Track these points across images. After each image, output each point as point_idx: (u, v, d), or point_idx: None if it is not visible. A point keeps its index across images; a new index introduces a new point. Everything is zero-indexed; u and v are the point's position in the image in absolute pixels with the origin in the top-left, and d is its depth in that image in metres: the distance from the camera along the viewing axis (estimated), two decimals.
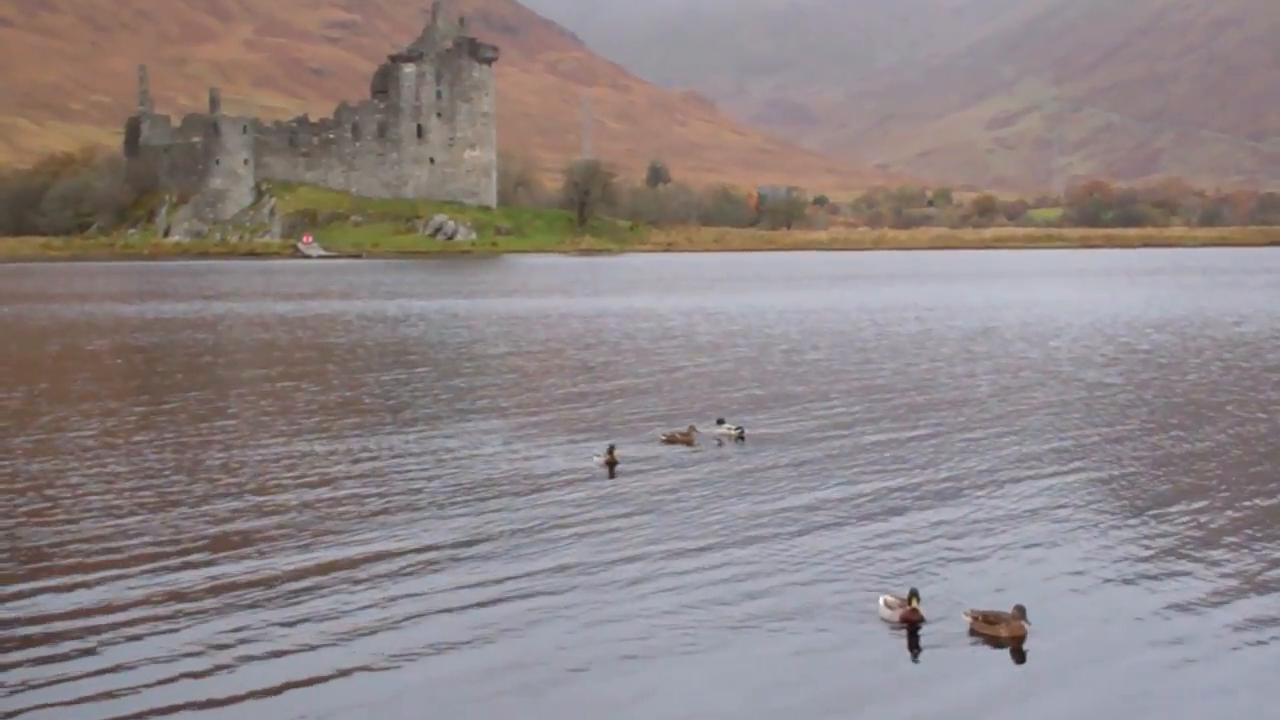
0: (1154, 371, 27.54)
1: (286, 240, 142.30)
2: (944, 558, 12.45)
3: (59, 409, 23.48)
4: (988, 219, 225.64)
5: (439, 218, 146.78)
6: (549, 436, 19.74)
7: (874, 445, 18.62)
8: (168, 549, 13.08)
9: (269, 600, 11.30)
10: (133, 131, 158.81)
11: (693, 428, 19.33)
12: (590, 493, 15.57)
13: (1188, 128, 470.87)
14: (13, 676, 9.48)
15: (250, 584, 11.79)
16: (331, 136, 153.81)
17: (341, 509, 14.83)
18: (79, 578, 12.02)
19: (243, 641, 10.22)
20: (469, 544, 13.14)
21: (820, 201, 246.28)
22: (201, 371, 30.33)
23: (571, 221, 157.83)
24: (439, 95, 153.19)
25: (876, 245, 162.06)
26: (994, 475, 16.36)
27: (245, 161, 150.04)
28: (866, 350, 32.71)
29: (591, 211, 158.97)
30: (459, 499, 15.29)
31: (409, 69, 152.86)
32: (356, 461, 17.83)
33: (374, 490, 15.85)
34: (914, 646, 10.04)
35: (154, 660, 9.81)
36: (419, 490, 15.82)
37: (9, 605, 11.22)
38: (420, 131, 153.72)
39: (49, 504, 15.18)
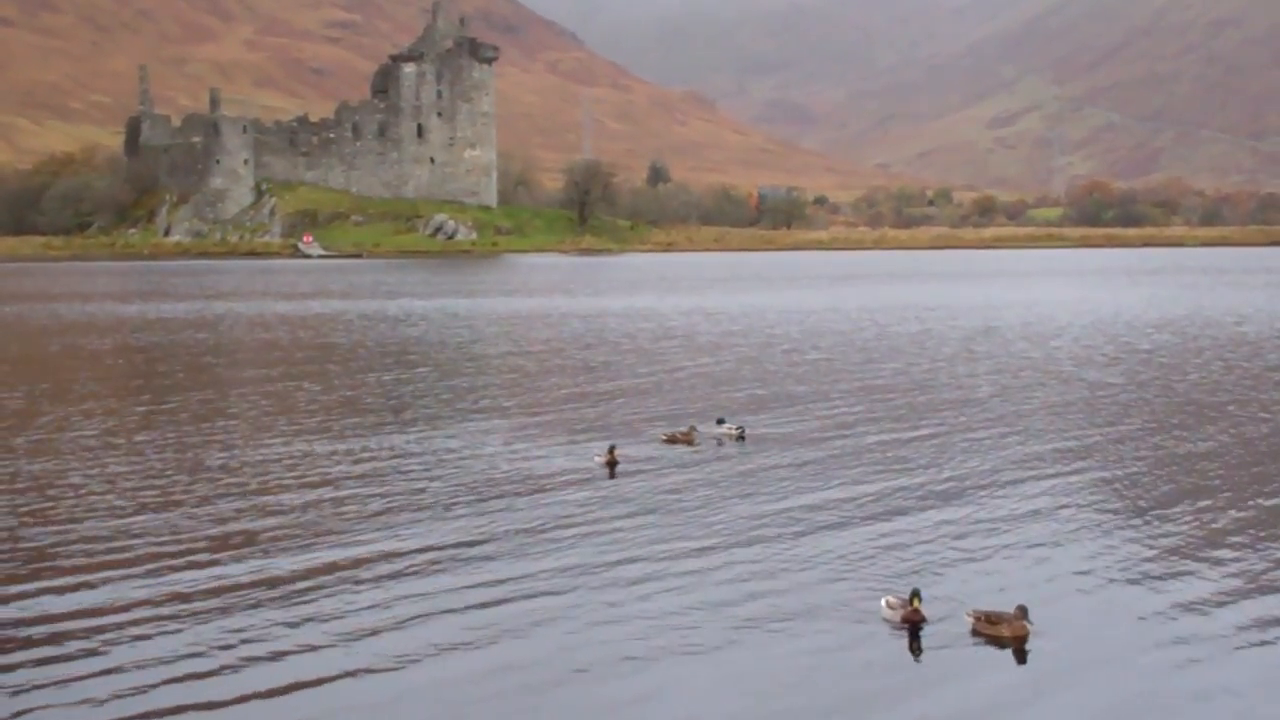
0: (1155, 371, 27.53)
1: (287, 240, 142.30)
2: (946, 558, 12.45)
3: (60, 409, 23.48)
4: (988, 219, 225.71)
5: (439, 217, 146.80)
6: (550, 436, 19.74)
7: (875, 445, 18.62)
8: (169, 549, 13.07)
9: (271, 600, 11.30)
10: (133, 131, 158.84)
11: (693, 427, 19.34)
12: (591, 493, 15.56)
13: (1188, 128, 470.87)
14: (14, 677, 9.48)
15: (252, 584, 11.79)
16: (332, 136, 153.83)
17: (343, 509, 14.82)
18: (81, 578, 12.02)
19: (245, 642, 10.21)
20: (470, 544, 13.13)
21: (820, 201, 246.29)
22: (203, 371, 30.33)
23: (572, 221, 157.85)
24: (439, 95, 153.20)
25: (877, 245, 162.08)
26: (995, 475, 16.36)
27: (245, 161, 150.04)
28: (867, 350, 32.70)
29: (592, 211, 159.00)
30: (460, 499, 15.28)
31: (409, 69, 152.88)
32: (358, 461, 17.83)
33: (375, 491, 15.84)
34: (916, 647, 10.03)
35: (156, 661, 9.80)
36: (420, 490, 15.82)
37: (11, 605, 11.21)
38: (420, 131, 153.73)
39: (50, 504, 15.18)
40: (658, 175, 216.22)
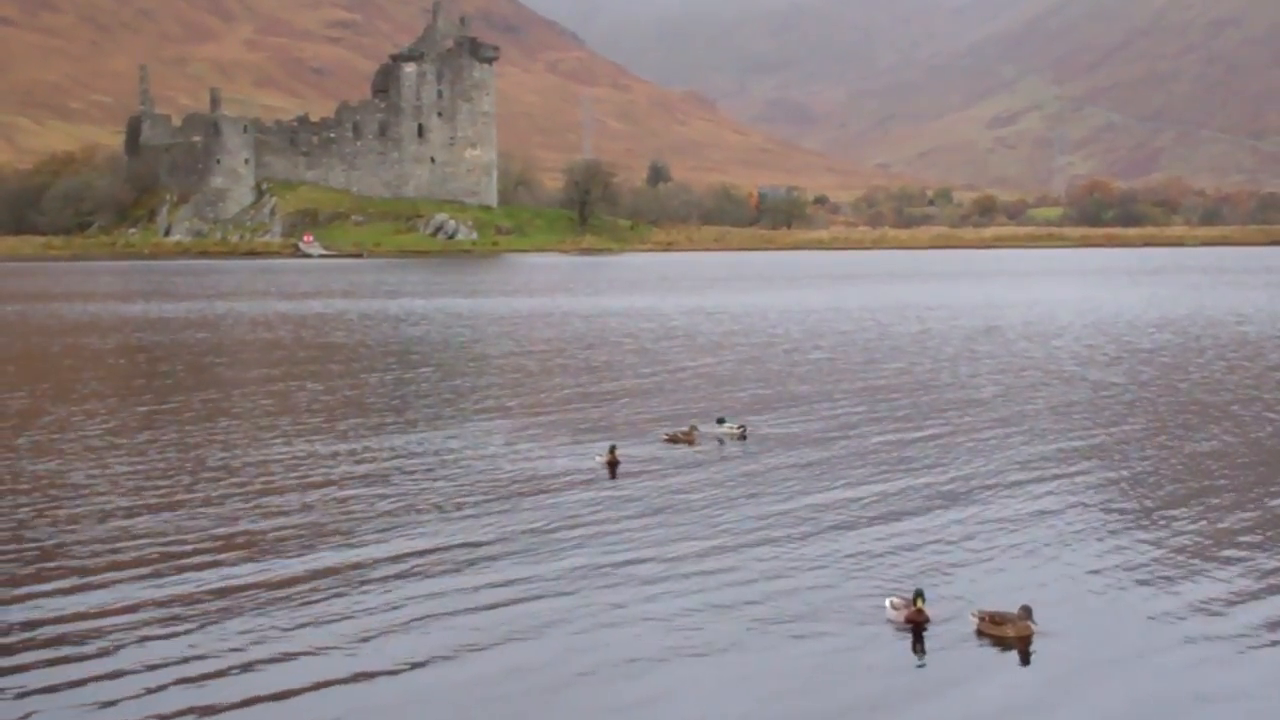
0: (1158, 371, 27.51)
1: (287, 240, 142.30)
2: (950, 558, 12.43)
3: (62, 409, 23.45)
4: (988, 218, 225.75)
5: (440, 217, 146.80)
6: (551, 436, 19.72)
7: (879, 445, 18.59)
8: (172, 550, 13.05)
9: (274, 602, 11.27)
10: (133, 131, 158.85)
11: (694, 427, 19.32)
12: (594, 494, 15.53)
13: (1188, 127, 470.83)
14: (17, 679, 9.45)
15: (255, 585, 11.76)
16: (332, 136, 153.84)
17: (345, 510, 14.80)
18: (84, 579, 12.00)
19: (248, 644, 10.19)
20: (474, 545, 13.11)
21: (821, 201, 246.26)
22: (205, 371, 30.30)
23: (572, 221, 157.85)
24: (440, 95, 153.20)
25: (877, 245, 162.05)
26: (999, 475, 16.33)
27: (246, 161, 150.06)
28: (869, 350, 32.68)
29: (592, 211, 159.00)
30: (462, 500, 15.27)
31: (410, 68, 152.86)
32: (360, 462, 17.82)
33: (377, 491, 15.82)
34: (920, 648, 10.01)
35: (161, 662, 9.78)
36: (421, 491, 15.80)
37: (14, 607, 11.19)
38: (421, 131, 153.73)
39: (53, 504, 15.16)
40: (658, 175, 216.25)
